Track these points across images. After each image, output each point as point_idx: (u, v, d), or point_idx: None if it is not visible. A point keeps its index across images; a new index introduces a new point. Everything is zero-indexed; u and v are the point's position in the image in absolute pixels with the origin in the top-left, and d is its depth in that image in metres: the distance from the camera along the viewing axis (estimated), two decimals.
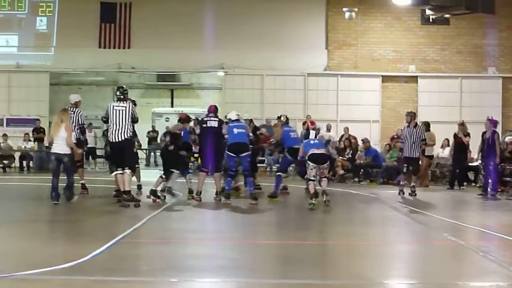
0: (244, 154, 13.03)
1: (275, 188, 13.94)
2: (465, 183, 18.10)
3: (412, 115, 15.67)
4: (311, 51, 24.55)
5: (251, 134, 14.15)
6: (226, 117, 14.12)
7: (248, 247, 8.34)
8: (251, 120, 15.27)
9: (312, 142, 12.92)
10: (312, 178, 12.44)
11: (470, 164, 18.54)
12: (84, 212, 11.84)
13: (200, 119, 14.07)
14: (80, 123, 13.50)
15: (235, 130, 13.10)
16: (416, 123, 15.74)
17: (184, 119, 13.74)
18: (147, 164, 25.69)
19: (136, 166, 13.99)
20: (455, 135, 17.95)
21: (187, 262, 7.17)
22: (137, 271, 6.73)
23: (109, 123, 12.10)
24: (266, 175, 20.02)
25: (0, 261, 7.04)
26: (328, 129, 21.92)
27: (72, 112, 13.30)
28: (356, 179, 19.58)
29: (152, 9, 24.48)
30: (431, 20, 22.23)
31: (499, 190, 15.83)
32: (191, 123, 14.02)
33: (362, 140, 20.47)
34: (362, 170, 19.90)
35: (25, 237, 8.64)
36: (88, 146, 17.48)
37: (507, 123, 23.77)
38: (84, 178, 14.14)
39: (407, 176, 15.54)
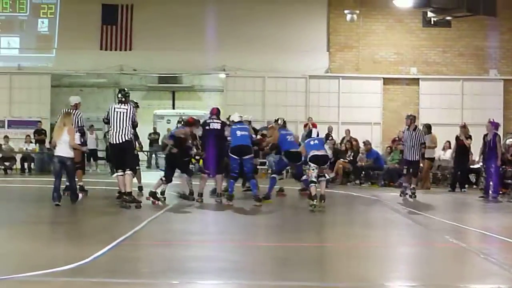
0: (247, 157, 13.08)
1: (268, 190, 13.97)
2: (466, 186, 18.11)
3: (411, 118, 15.68)
4: (312, 53, 24.56)
5: (254, 135, 14.17)
6: (228, 118, 14.13)
7: (249, 249, 8.34)
8: (249, 122, 15.26)
9: (312, 143, 12.91)
10: (314, 179, 12.48)
11: (471, 166, 18.52)
12: (85, 214, 11.86)
13: (202, 121, 14.08)
14: (79, 125, 13.51)
15: (238, 133, 13.15)
16: (416, 126, 15.74)
17: (191, 122, 13.71)
18: (149, 166, 25.70)
19: (137, 168, 14.01)
20: (457, 138, 17.93)
21: (188, 264, 7.16)
22: (138, 273, 6.72)
23: (110, 124, 12.13)
24: (267, 176, 19.96)
25: (1, 262, 7.04)
26: (330, 131, 21.91)
27: (72, 114, 13.31)
28: (357, 181, 19.58)
29: (153, 11, 24.50)
30: (432, 23, 22.21)
31: (501, 192, 15.83)
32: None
33: (364, 142, 20.47)
34: (363, 172, 19.90)
35: (26, 238, 8.63)
36: (90, 148, 17.50)
37: (509, 125, 23.77)
38: (83, 180, 14.13)
39: (408, 177, 15.55)
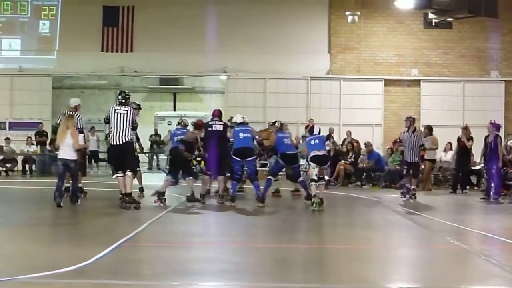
0: (249, 159, 13.14)
1: (264, 191, 13.95)
2: (467, 187, 18.10)
3: (411, 120, 15.68)
4: (313, 55, 24.55)
5: (257, 137, 14.21)
6: (230, 120, 14.16)
7: (250, 251, 8.34)
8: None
9: (313, 142, 12.94)
10: (314, 177, 12.53)
11: (472, 168, 18.52)
12: (87, 215, 11.88)
13: (205, 122, 14.12)
14: (79, 127, 13.52)
15: (241, 135, 13.20)
16: (415, 128, 15.75)
17: (200, 125, 13.75)
18: (150, 168, 25.68)
19: (138, 169, 14.01)
20: (458, 139, 17.94)
21: (190, 266, 7.16)
22: (140, 274, 6.73)
23: (110, 125, 12.15)
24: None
25: (3, 264, 7.04)
26: (331, 133, 21.90)
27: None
28: (359, 183, 19.59)
29: (154, 12, 24.49)
30: (433, 24, 22.20)
31: (502, 194, 15.82)
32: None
33: (365, 143, 20.48)
34: (364, 173, 19.90)
35: (27, 240, 8.64)
36: (91, 149, 17.49)
37: (510, 126, 23.71)
38: (82, 181, 14.12)
39: (408, 178, 15.55)
